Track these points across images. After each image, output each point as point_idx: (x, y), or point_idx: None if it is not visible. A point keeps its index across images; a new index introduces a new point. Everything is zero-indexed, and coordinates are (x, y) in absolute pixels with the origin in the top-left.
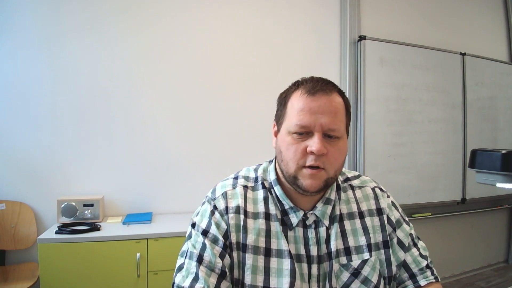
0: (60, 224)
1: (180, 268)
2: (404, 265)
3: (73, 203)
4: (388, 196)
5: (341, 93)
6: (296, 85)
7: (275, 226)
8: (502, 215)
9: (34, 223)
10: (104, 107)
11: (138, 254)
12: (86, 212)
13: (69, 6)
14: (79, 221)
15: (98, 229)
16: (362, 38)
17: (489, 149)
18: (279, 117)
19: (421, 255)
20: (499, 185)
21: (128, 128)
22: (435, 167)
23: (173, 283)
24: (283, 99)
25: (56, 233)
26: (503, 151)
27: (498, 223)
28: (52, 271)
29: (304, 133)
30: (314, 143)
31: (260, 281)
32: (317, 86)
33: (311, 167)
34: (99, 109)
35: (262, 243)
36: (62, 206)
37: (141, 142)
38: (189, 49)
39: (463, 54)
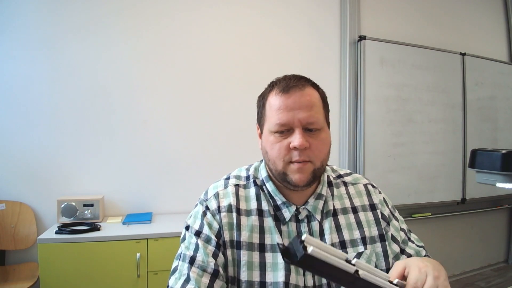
0: (60, 224)
1: (174, 270)
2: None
3: (73, 203)
4: (379, 193)
5: (316, 86)
6: (271, 86)
7: (268, 222)
8: (502, 215)
9: (34, 223)
10: (104, 107)
11: (138, 254)
12: (86, 212)
13: (69, 6)
14: (79, 221)
15: (98, 229)
16: (362, 38)
17: (489, 149)
18: (260, 119)
19: (418, 246)
20: (499, 185)
21: (128, 128)
22: (435, 167)
23: (168, 286)
24: (261, 101)
25: (56, 233)
26: (503, 151)
27: (498, 223)
28: (52, 271)
29: (285, 130)
30: (295, 139)
31: (256, 276)
32: (290, 83)
33: (297, 161)
34: (99, 109)
35: (256, 239)
36: (62, 206)
37: (141, 142)
38: (189, 49)
39: (463, 54)
